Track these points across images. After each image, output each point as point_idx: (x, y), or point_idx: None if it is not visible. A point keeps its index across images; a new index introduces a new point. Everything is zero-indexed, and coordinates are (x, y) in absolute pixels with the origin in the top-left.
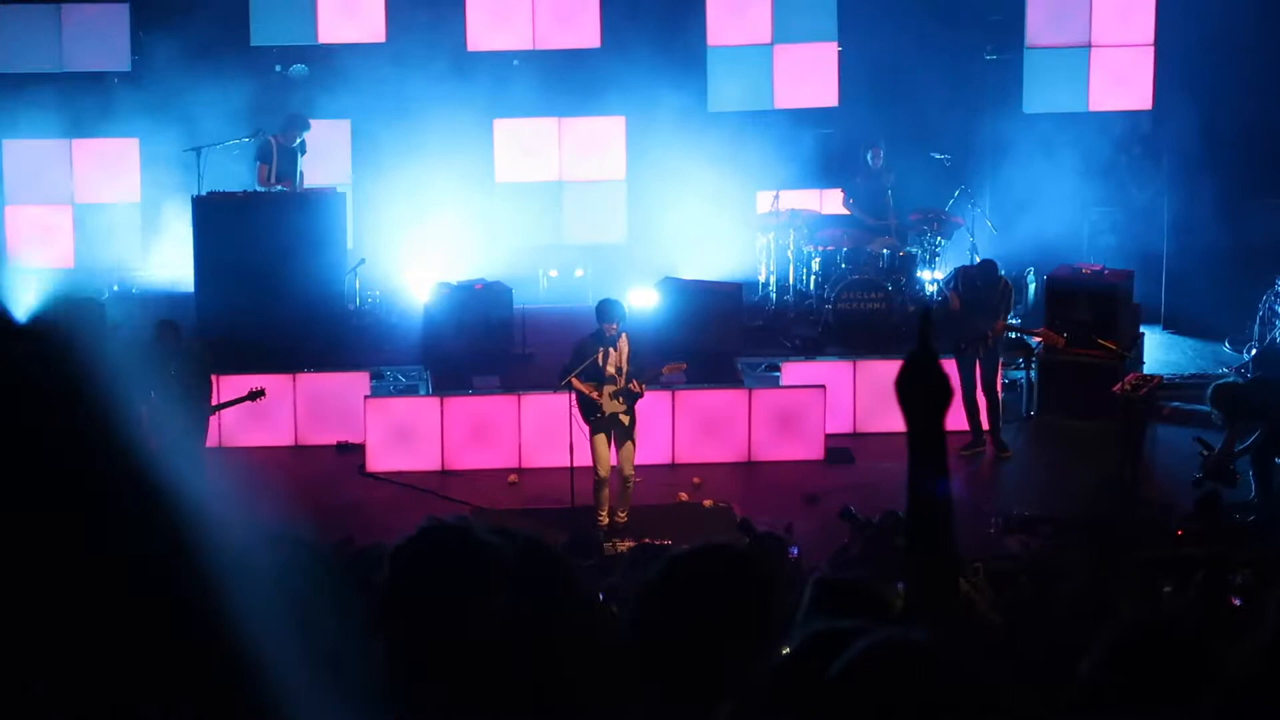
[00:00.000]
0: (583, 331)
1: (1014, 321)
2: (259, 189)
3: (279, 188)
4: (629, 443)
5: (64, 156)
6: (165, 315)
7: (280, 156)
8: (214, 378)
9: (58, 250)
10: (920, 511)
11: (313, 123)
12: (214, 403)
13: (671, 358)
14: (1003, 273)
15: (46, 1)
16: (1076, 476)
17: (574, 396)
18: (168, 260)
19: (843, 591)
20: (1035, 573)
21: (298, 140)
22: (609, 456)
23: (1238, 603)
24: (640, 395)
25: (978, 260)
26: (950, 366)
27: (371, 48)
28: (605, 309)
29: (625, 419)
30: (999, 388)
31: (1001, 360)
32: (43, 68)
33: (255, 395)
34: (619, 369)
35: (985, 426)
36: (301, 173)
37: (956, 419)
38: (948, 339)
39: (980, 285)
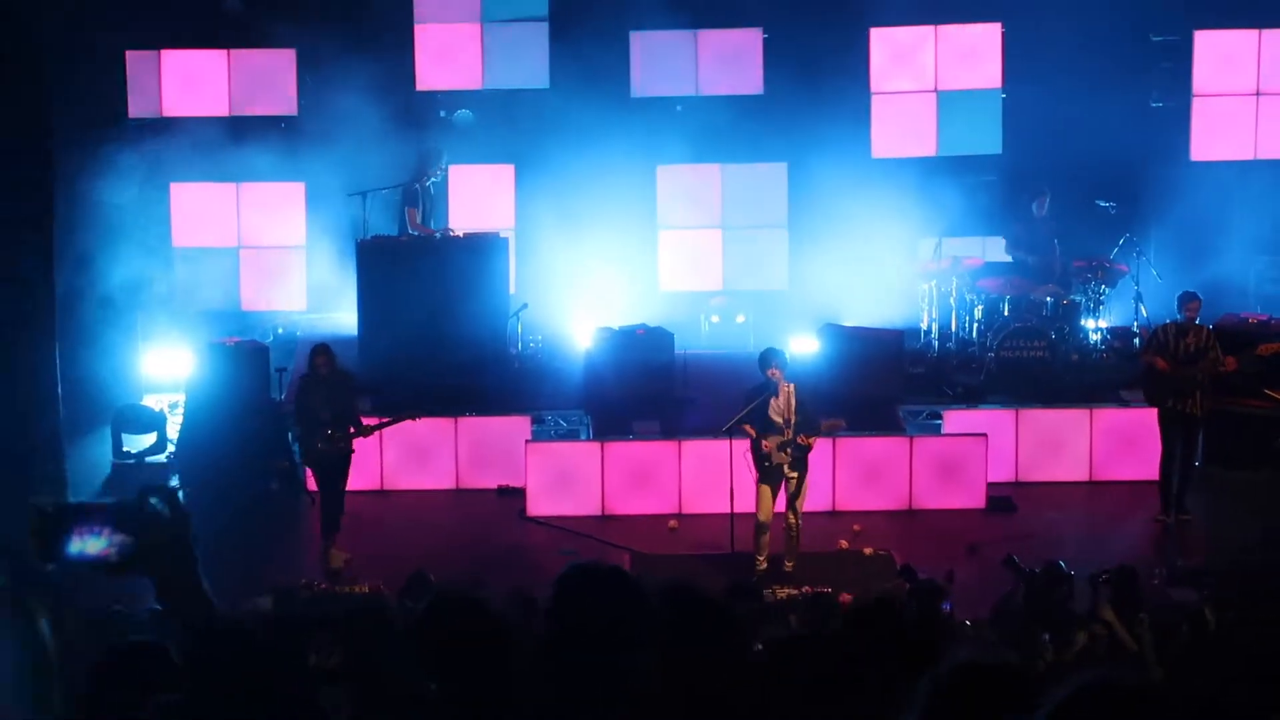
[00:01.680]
0: (744, 377)
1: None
2: (413, 233)
3: (436, 233)
4: (798, 492)
5: (231, 200)
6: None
7: (424, 197)
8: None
9: (224, 292)
10: None
11: (477, 168)
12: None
13: (833, 405)
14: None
15: (216, 48)
16: (1241, 528)
17: (749, 443)
18: (332, 303)
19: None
20: (1196, 624)
21: (438, 174)
22: (772, 503)
23: None
24: (809, 448)
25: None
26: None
27: (535, 93)
28: (765, 356)
29: (790, 471)
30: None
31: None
32: (211, 111)
33: (411, 416)
34: (786, 419)
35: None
36: (442, 209)
37: (1138, 469)
38: (1156, 395)
39: (1180, 337)
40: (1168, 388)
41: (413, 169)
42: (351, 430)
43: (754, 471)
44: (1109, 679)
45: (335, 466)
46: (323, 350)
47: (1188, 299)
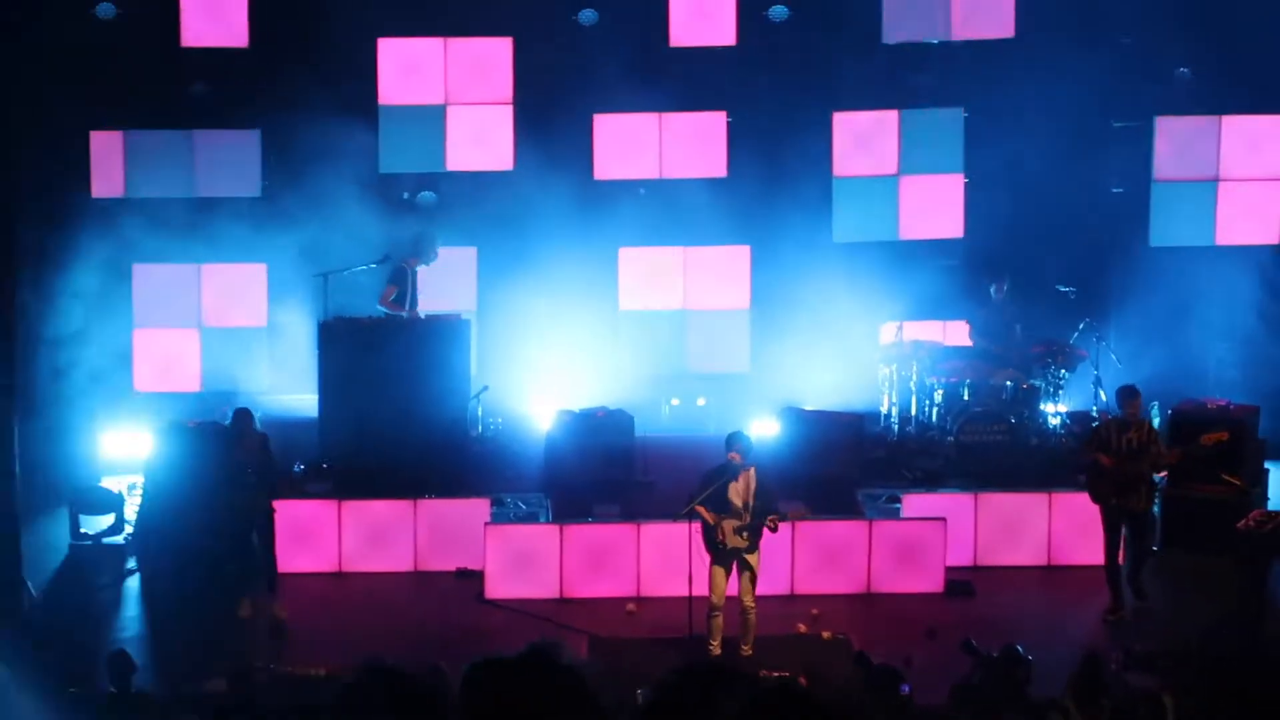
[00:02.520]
0: (704, 460)
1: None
2: (381, 310)
3: (404, 314)
4: (749, 574)
5: (193, 281)
6: (288, 438)
7: (410, 279)
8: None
9: (184, 375)
10: None
11: (440, 250)
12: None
13: (793, 487)
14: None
15: (180, 128)
16: (1199, 612)
17: (700, 525)
18: (294, 384)
19: None
20: (1154, 710)
21: (432, 258)
22: (725, 587)
23: None
24: (775, 531)
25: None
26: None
27: (499, 176)
28: (731, 439)
29: (748, 555)
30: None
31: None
32: (174, 193)
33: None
34: (745, 502)
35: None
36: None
37: (1096, 554)
38: (1099, 492)
39: (1122, 433)
40: (1111, 484)
41: (405, 250)
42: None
43: (706, 554)
44: None
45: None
46: (243, 413)
47: (1128, 395)
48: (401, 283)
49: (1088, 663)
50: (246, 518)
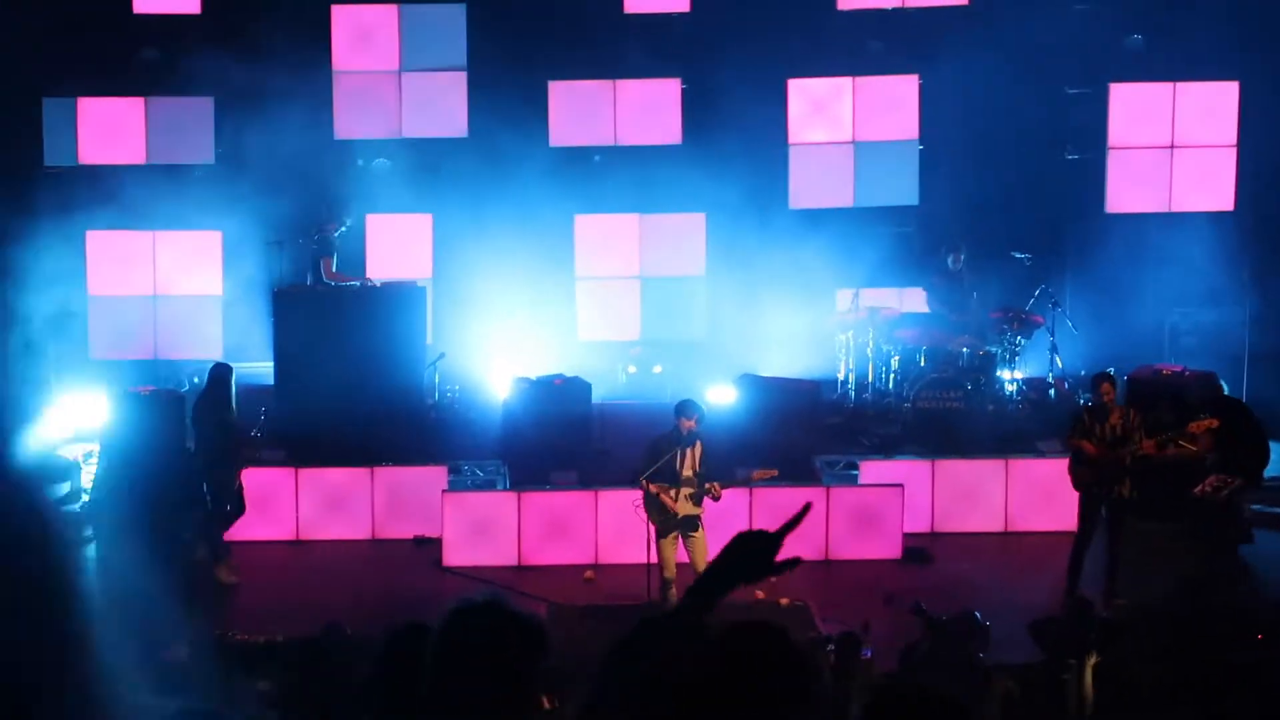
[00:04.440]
0: (661, 427)
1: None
2: (328, 283)
3: (356, 281)
4: (699, 539)
5: (147, 248)
6: (244, 406)
7: (337, 247)
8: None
9: (139, 342)
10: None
11: (395, 217)
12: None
13: (750, 455)
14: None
15: (133, 96)
16: (1157, 578)
17: (642, 496)
18: (249, 352)
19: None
20: (1113, 673)
21: (347, 223)
22: (675, 558)
23: None
24: (718, 499)
25: (1070, 366)
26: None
27: (454, 142)
28: (684, 407)
29: (697, 522)
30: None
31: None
32: (128, 160)
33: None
34: (695, 471)
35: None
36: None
37: (1052, 520)
38: (1080, 479)
39: (1101, 420)
40: (1093, 472)
41: (323, 218)
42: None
43: (651, 526)
44: None
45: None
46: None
47: (1100, 381)
48: (331, 251)
49: (1076, 609)
50: (229, 481)
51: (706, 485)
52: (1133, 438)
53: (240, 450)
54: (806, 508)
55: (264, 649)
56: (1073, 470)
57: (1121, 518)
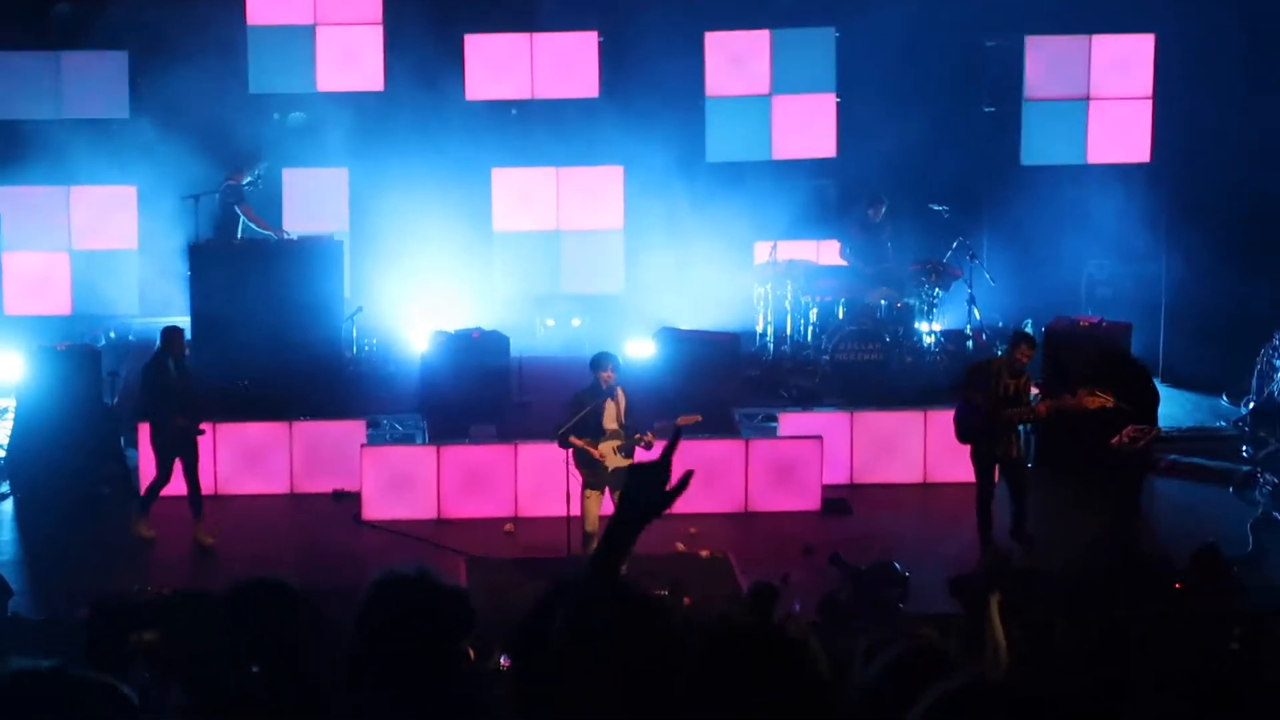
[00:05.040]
0: (580, 380)
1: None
2: (257, 231)
3: (273, 233)
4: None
5: (61, 203)
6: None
7: (251, 197)
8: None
9: (54, 298)
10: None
11: (311, 171)
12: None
13: (670, 408)
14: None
15: (45, 50)
16: (1074, 529)
17: (570, 452)
18: (165, 307)
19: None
20: (1029, 629)
21: (259, 175)
22: (599, 511)
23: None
24: (650, 448)
25: (987, 317)
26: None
27: (369, 96)
28: (600, 360)
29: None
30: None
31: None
32: (41, 115)
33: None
34: (620, 422)
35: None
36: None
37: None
38: (966, 433)
39: (1004, 377)
40: (979, 428)
41: (234, 170)
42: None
43: (579, 476)
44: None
45: (193, 446)
46: (180, 333)
47: (1022, 342)
48: (247, 200)
49: (992, 563)
50: (184, 440)
51: (636, 435)
52: (1020, 400)
53: (173, 418)
54: (679, 430)
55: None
56: (958, 421)
57: (1019, 479)
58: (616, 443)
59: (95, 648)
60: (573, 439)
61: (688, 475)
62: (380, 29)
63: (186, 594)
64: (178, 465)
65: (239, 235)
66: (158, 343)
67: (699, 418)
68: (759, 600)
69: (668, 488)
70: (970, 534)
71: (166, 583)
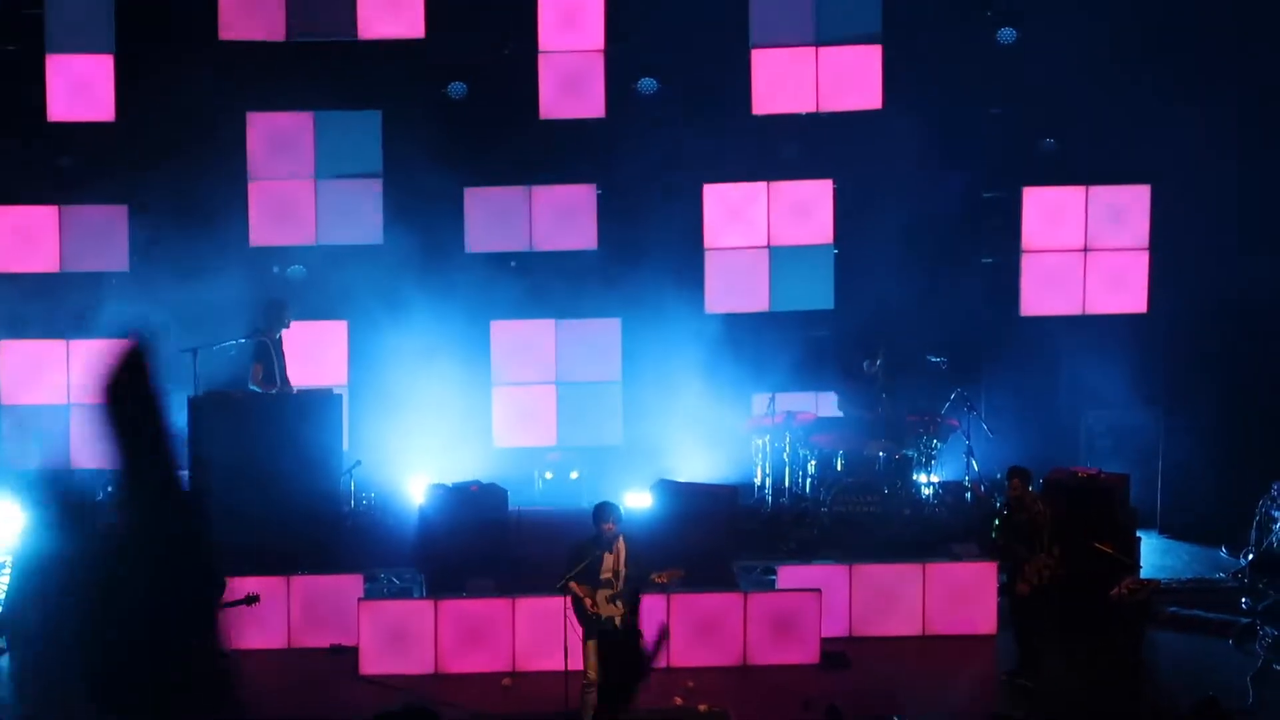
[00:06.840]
0: (578, 533)
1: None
2: (254, 389)
3: (273, 390)
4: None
5: (60, 357)
6: None
7: (275, 352)
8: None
9: (54, 450)
10: None
11: (311, 324)
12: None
13: (667, 561)
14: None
15: (46, 205)
16: (1074, 679)
17: (569, 600)
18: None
19: None
20: None
21: (286, 326)
22: (597, 658)
23: None
24: (638, 601)
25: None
26: None
27: (369, 249)
28: (601, 511)
29: (619, 623)
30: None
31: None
32: (41, 268)
33: (250, 600)
34: (616, 573)
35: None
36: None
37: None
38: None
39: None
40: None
41: (260, 322)
42: None
43: (579, 628)
44: None
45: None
46: None
47: (1011, 475)
48: (265, 358)
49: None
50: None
51: (653, 576)
52: (1043, 533)
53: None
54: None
55: None
56: (1006, 569)
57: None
58: (609, 591)
59: None
60: (573, 584)
61: (664, 632)
62: (380, 182)
63: None
64: None
65: (250, 386)
66: None
67: (681, 573)
68: None
69: (645, 653)
70: (969, 686)
71: None
